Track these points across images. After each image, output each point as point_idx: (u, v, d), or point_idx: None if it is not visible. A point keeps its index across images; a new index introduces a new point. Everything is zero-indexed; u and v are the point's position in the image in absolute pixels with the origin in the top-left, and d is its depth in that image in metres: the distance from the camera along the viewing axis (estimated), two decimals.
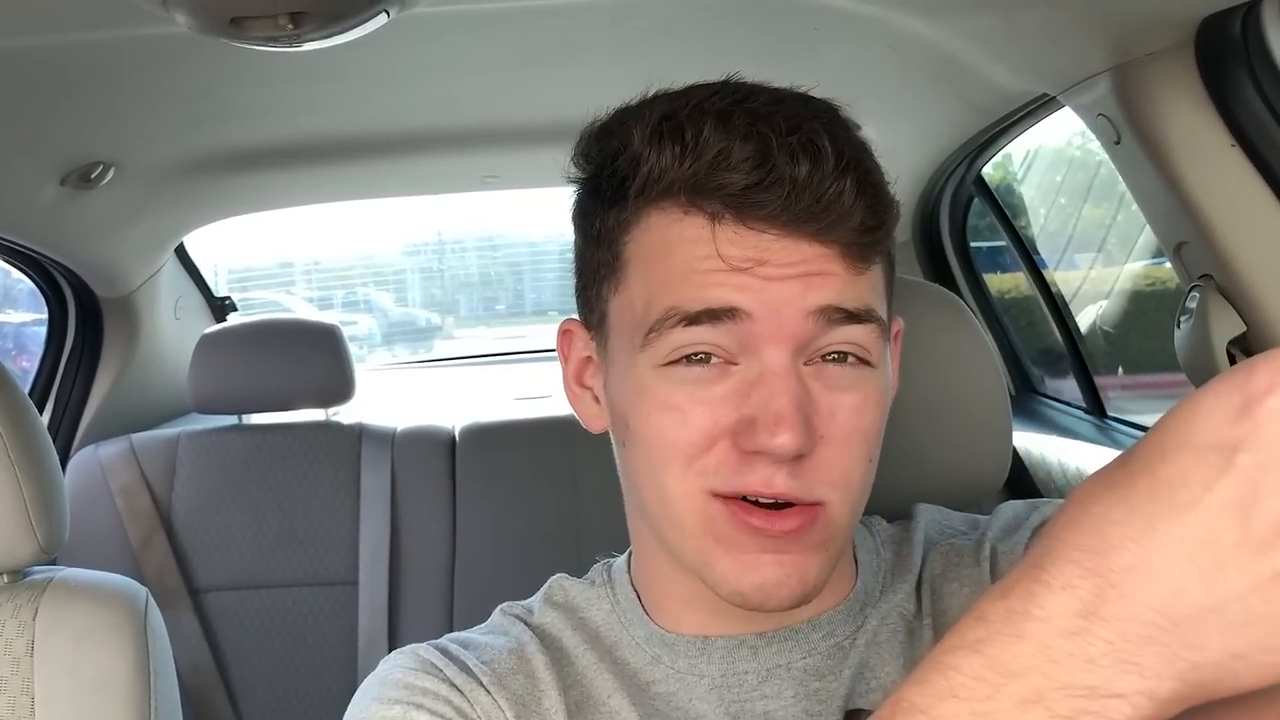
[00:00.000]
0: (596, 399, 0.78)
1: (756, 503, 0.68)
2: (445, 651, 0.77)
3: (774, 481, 0.67)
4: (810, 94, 0.73)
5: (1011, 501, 0.84)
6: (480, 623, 0.86)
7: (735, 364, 0.68)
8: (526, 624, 0.82)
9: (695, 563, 0.71)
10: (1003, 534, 0.80)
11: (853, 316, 0.67)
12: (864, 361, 0.69)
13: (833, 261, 0.67)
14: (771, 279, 0.66)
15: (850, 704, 0.74)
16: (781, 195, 0.65)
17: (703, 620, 0.77)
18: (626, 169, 0.70)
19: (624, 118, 0.72)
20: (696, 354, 0.68)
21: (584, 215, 0.76)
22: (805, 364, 0.68)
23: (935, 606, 0.78)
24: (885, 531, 0.85)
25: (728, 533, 0.69)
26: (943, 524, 0.86)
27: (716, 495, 0.69)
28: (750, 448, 0.66)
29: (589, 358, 0.78)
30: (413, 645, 0.79)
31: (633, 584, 0.82)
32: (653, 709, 0.76)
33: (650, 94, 0.73)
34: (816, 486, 0.68)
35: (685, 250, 0.68)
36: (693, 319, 0.67)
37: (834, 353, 0.68)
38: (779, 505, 0.68)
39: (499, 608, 0.85)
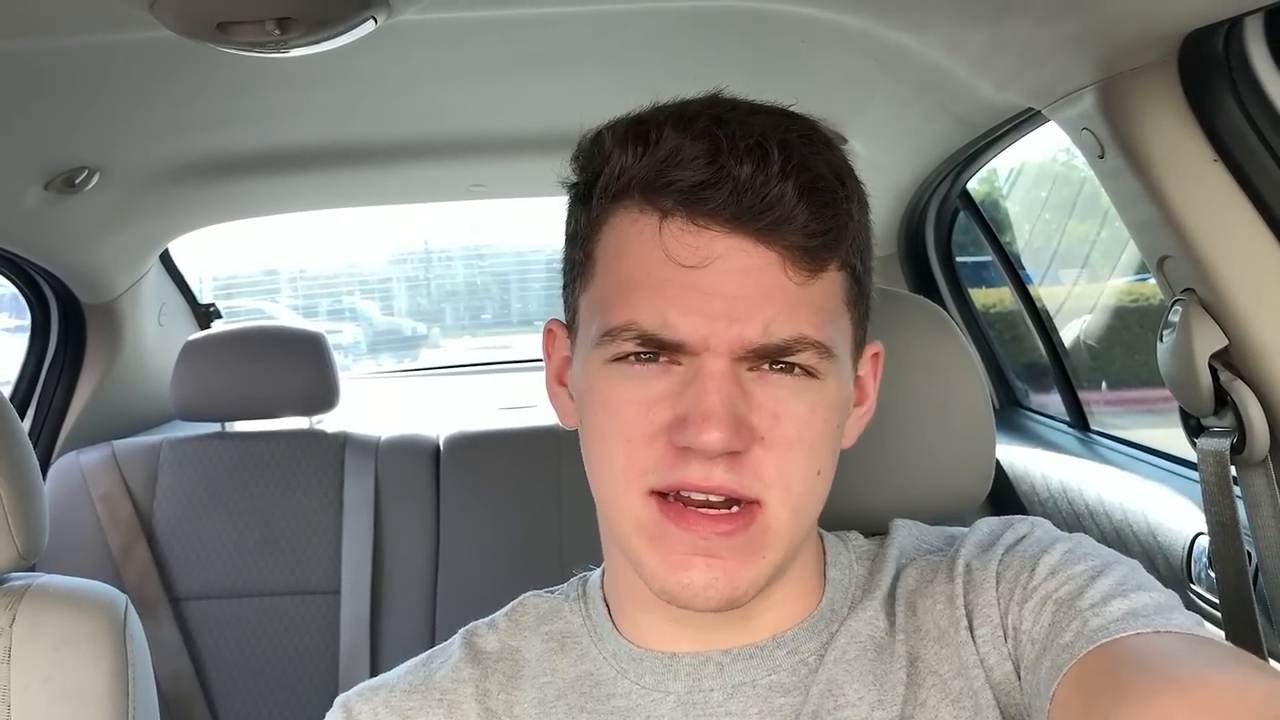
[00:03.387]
0: (572, 396, 0.80)
1: (692, 499, 0.70)
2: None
3: (711, 475, 0.68)
4: (794, 110, 0.74)
5: (987, 518, 0.85)
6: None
7: (679, 364, 0.70)
8: (476, 655, 0.83)
9: (632, 559, 0.73)
10: (977, 550, 0.80)
11: (781, 350, 0.69)
12: (810, 374, 0.70)
13: (774, 271, 0.69)
14: (713, 294, 0.68)
15: None
16: (726, 193, 0.67)
17: (666, 632, 0.78)
18: (599, 170, 0.73)
19: (609, 123, 0.74)
20: (645, 353, 0.70)
21: (567, 217, 0.79)
22: (749, 369, 0.70)
23: (910, 622, 0.79)
24: (861, 547, 0.86)
25: (659, 532, 0.70)
26: (919, 539, 0.86)
27: (654, 493, 0.70)
28: (681, 443, 0.68)
29: (568, 357, 0.80)
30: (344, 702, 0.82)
31: (605, 597, 0.83)
32: None
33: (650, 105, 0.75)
34: (754, 483, 0.69)
35: (640, 250, 0.70)
36: (646, 340, 0.69)
37: (780, 363, 0.70)
38: (716, 505, 0.70)
39: (461, 631, 0.86)
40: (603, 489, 0.74)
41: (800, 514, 0.72)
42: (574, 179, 0.77)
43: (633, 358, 0.70)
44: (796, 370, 0.70)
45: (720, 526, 0.69)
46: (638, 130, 0.71)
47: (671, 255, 0.69)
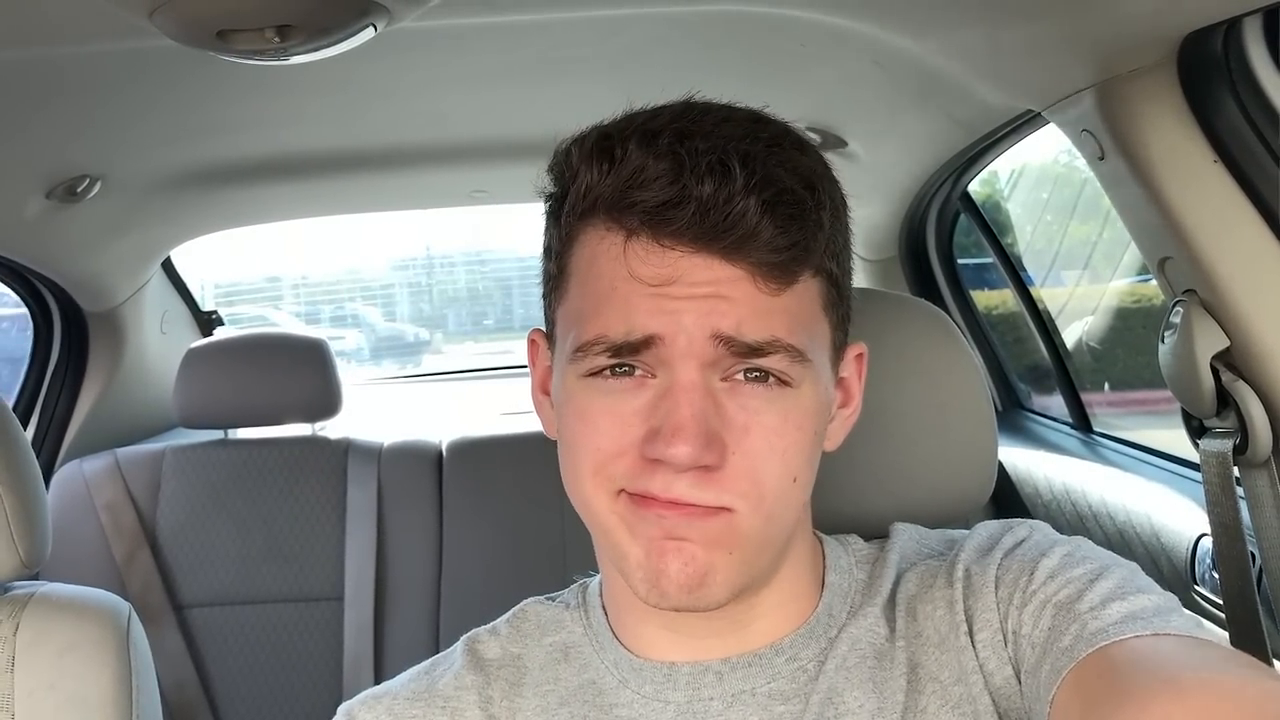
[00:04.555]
0: (554, 405, 0.79)
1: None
2: None
3: (671, 487, 0.68)
4: (766, 113, 0.74)
5: (987, 522, 0.84)
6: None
7: (654, 377, 0.70)
8: (478, 662, 0.83)
9: (615, 557, 0.73)
10: (976, 555, 0.80)
11: (754, 350, 0.68)
12: (783, 382, 0.70)
13: (743, 284, 0.68)
14: (681, 298, 0.68)
15: None
16: (689, 213, 0.67)
17: (664, 641, 0.78)
18: (567, 186, 0.73)
19: (578, 136, 0.74)
20: (621, 366, 0.70)
21: (544, 230, 0.79)
22: (722, 379, 0.69)
23: (910, 628, 0.79)
24: (861, 551, 0.85)
25: (634, 520, 0.71)
26: (920, 543, 0.86)
27: (623, 492, 0.71)
28: (651, 455, 0.68)
29: (550, 367, 0.80)
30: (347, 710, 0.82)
31: (603, 605, 0.83)
32: None
33: (622, 112, 0.74)
34: (724, 495, 0.69)
35: (608, 268, 0.70)
36: (616, 350, 0.69)
37: (754, 371, 0.69)
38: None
39: (463, 638, 0.86)
40: (576, 494, 0.74)
41: (774, 520, 0.72)
42: (550, 189, 0.77)
43: (607, 372, 0.70)
44: (770, 379, 0.70)
45: (686, 510, 0.69)
46: (603, 146, 0.70)
47: (637, 274, 0.68)
